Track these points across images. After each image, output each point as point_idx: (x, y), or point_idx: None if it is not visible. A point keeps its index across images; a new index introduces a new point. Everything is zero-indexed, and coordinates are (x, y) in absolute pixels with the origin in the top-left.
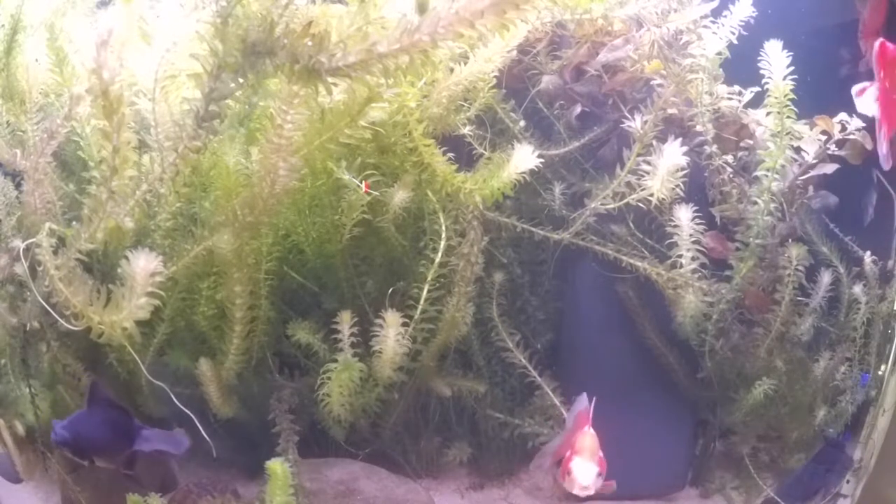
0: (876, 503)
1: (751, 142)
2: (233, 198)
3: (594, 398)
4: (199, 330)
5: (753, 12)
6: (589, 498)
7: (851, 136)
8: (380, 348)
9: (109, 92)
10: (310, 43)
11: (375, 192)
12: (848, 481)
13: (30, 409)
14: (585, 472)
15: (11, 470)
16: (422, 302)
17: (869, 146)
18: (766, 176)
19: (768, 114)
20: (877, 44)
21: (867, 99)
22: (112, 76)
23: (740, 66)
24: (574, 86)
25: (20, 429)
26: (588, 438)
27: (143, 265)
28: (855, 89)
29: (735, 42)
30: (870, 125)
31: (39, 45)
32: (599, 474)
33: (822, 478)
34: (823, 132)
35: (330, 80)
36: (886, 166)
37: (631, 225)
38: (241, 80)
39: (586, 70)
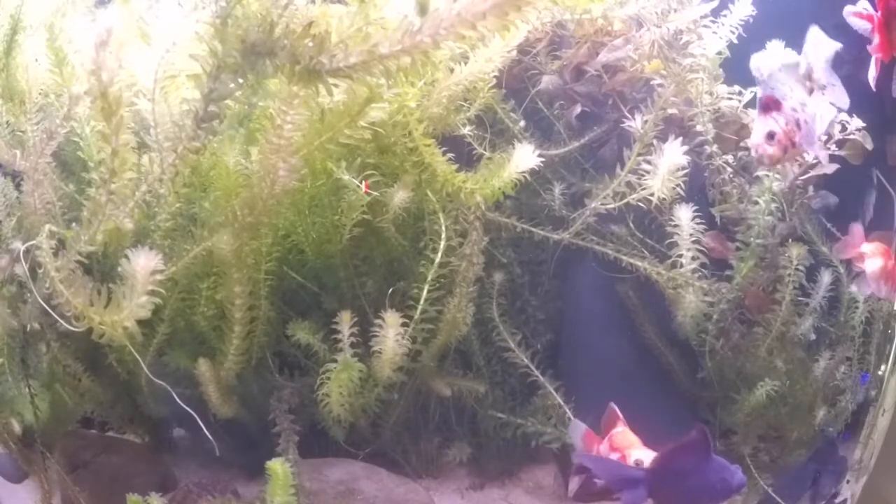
0: (876, 503)
1: None
2: (232, 198)
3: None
4: (198, 330)
5: (753, 12)
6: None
7: (851, 136)
8: (380, 348)
9: (108, 94)
10: (311, 44)
11: (375, 193)
12: (848, 481)
13: (27, 408)
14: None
15: (12, 470)
16: (422, 302)
17: (869, 146)
18: (767, 176)
19: None
20: None
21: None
22: (111, 77)
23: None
24: (574, 86)
25: (16, 427)
26: (628, 435)
27: (143, 263)
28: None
29: (735, 42)
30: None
31: (39, 45)
32: None
33: (812, 479)
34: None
35: (331, 80)
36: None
37: (631, 225)
38: (240, 81)
39: (586, 70)
